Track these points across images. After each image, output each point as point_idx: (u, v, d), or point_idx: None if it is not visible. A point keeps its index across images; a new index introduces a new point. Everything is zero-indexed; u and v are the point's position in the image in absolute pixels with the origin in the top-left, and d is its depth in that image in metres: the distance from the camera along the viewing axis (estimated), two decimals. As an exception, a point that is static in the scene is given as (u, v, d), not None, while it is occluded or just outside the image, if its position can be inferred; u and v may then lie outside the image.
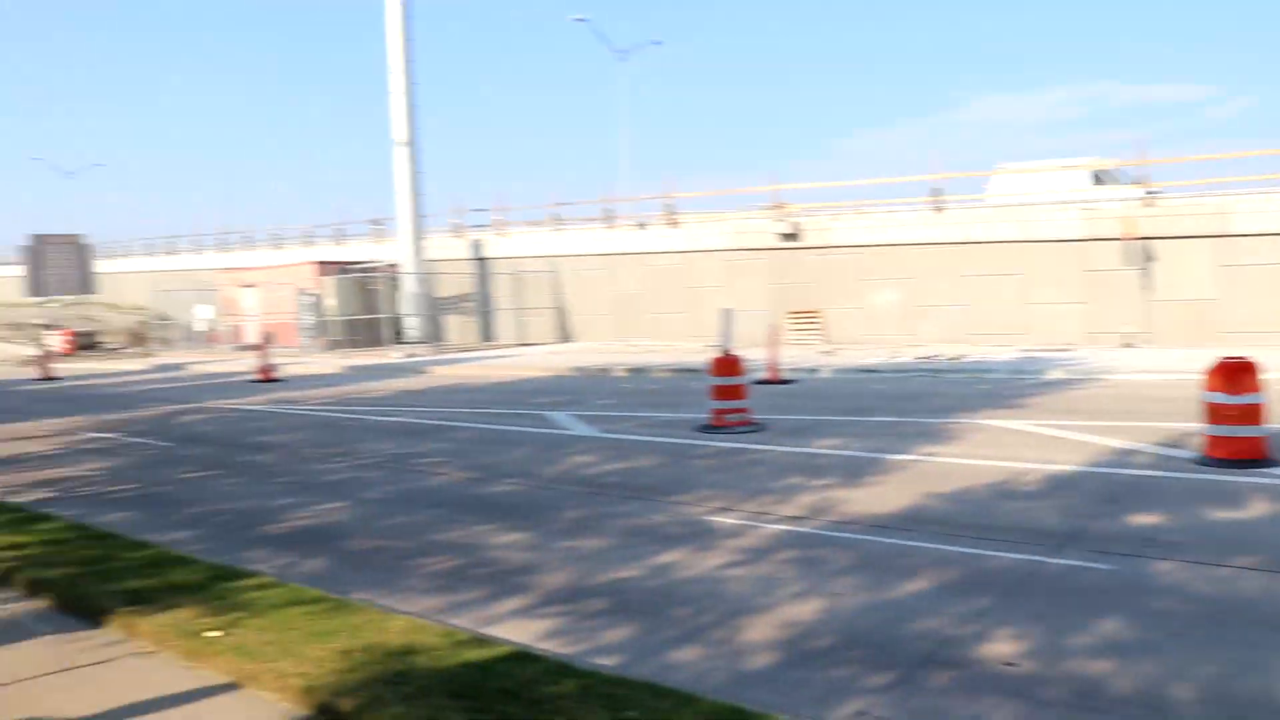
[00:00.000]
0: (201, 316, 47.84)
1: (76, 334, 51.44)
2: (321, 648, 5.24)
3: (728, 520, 8.52)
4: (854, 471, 10.37)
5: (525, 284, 38.98)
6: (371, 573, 7.45)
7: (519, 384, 23.08)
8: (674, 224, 34.99)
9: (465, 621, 6.05)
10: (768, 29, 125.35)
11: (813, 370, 21.82)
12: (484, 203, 62.19)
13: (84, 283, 53.12)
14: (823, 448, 11.91)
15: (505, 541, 8.20)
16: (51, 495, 11.28)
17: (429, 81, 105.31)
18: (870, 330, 29.75)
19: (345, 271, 40.88)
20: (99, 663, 5.60)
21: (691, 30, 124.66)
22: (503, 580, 7.08)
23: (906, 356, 24.04)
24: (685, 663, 5.39)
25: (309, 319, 40.09)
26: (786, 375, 20.50)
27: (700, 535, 8.07)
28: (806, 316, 30.89)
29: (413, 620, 5.77)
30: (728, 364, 13.76)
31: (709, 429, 13.55)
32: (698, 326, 32.93)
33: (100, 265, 55.55)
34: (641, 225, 36.73)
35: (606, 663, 5.31)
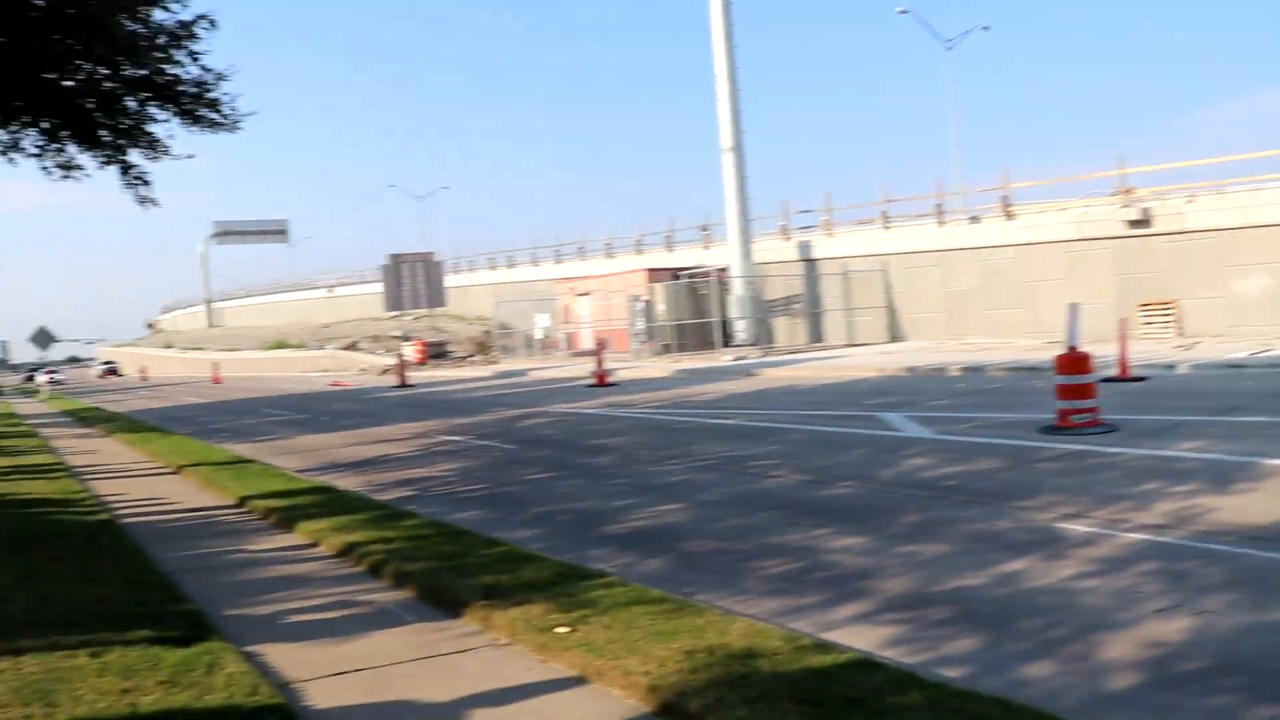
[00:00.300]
0: (540, 325, 50.37)
1: (428, 344, 55.48)
2: (665, 647, 5.32)
3: (1078, 527, 8.00)
4: (1222, 477, 9.48)
5: (853, 284, 38.53)
6: (709, 574, 7.53)
7: (849, 385, 22.81)
8: (1010, 216, 33.53)
9: (805, 626, 5.98)
10: (1100, 3, 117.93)
11: (1168, 366, 20.26)
12: (810, 204, 61.87)
13: (434, 297, 57.41)
14: (1183, 450, 10.98)
15: (842, 545, 8.07)
16: (410, 493, 12.18)
17: (752, 85, 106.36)
18: (1234, 321, 27.33)
19: (675, 277, 41.88)
20: (459, 652, 5.94)
21: (1020, 11, 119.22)
22: (841, 585, 6.96)
23: None
24: (1037, 679, 5.08)
25: (640, 324, 41.36)
26: (1137, 372, 19.14)
27: (1049, 543, 7.62)
28: (1158, 308, 28.78)
29: (753, 623, 5.76)
30: (1075, 361, 12.98)
31: (1054, 430, 12.82)
32: (1036, 322, 31.42)
33: (448, 280, 59.82)
34: (975, 219, 35.46)
35: (952, 675, 5.09)
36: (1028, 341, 30.19)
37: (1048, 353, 22.31)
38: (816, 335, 40.53)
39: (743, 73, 39.81)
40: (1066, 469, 10.53)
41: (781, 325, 41.92)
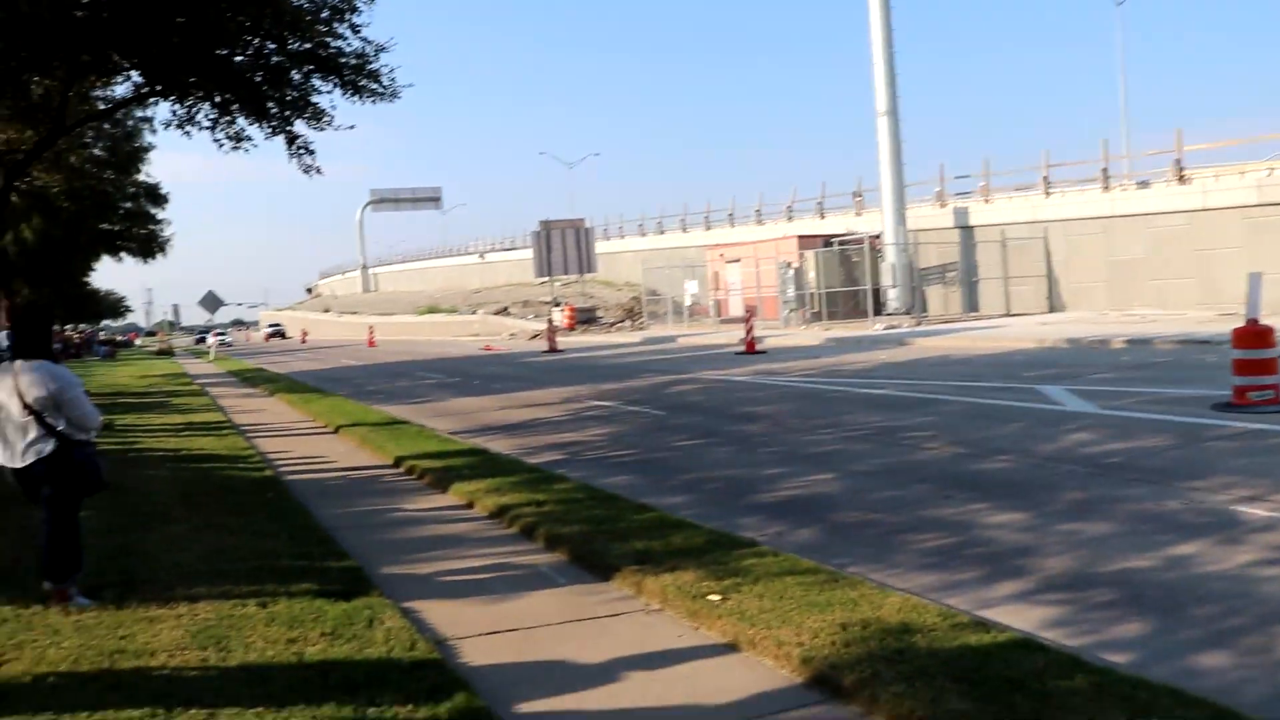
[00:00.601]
0: (689, 291, 50.32)
1: (577, 310, 55.99)
2: (818, 619, 5.24)
3: (1258, 511, 7.58)
4: None
5: (1011, 252, 37.40)
6: (861, 546, 7.39)
7: (1006, 356, 22.18)
8: (1182, 180, 31.98)
9: (960, 602, 5.82)
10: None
11: (1355, 341, 19.05)
12: (967, 169, 60.27)
13: (584, 263, 57.92)
14: (1374, 431, 10.31)
15: (999, 521, 7.83)
16: (561, 457, 12.30)
17: (910, 46, 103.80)
18: None
19: (826, 244, 41.34)
20: (610, 615, 5.98)
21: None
22: (998, 562, 6.75)
23: None
24: (1211, 669, 4.82)
25: (790, 292, 40.99)
26: (1321, 347, 18.03)
27: (1223, 526, 7.23)
28: (1347, 280, 27.08)
29: (908, 598, 5.63)
30: (1256, 334, 12.29)
31: (1228, 407, 12.19)
32: (1208, 293, 29.98)
33: (597, 246, 60.23)
34: (1143, 184, 33.97)
35: (1118, 660, 4.87)
36: (1198, 313, 28.83)
37: (1221, 325, 21.25)
38: (971, 305, 39.52)
39: (899, 34, 38.93)
40: (1243, 449, 9.99)
41: (935, 294, 41.00)
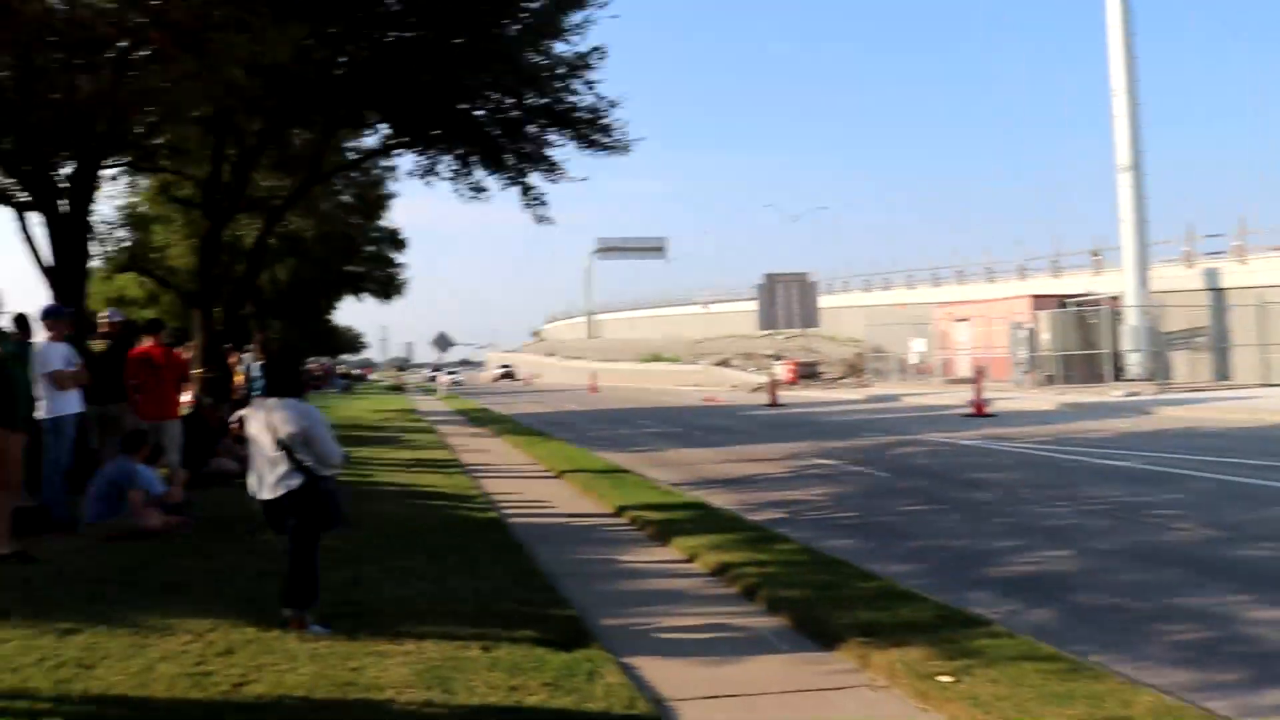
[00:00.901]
0: (915, 349, 49.22)
1: (799, 364, 55.54)
2: (1059, 712, 4.88)
3: None
4: None
5: (1270, 316, 34.93)
6: (1102, 633, 6.90)
7: (1265, 430, 20.63)
8: None
9: (1222, 707, 5.29)
10: None
11: None
12: (1217, 228, 56.92)
13: (807, 317, 57.55)
14: None
15: (1264, 617, 7.14)
16: (782, 515, 12.06)
17: (1153, 95, 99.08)
18: None
19: (1062, 305, 39.73)
20: (833, 689, 5.75)
21: None
22: (1266, 664, 6.13)
23: None
24: None
25: (1022, 353, 39.52)
26: None
27: None
28: None
29: (1161, 697, 5.17)
30: None
31: None
32: None
33: (821, 300, 59.78)
34: None
35: None
36: None
37: None
38: (1222, 372, 37.10)
39: (1143, 83, 37.28)
40: None
41: (1180, 360, 38.71)
